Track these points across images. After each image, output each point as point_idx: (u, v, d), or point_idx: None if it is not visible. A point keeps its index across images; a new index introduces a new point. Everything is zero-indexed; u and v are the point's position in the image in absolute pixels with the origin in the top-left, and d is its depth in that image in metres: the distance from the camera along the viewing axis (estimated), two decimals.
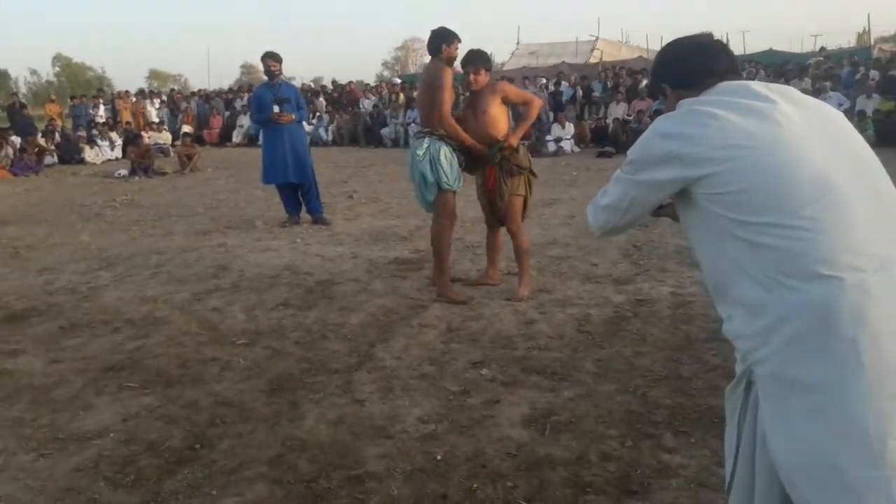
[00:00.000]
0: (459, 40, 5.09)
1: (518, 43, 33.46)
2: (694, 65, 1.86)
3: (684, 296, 5.03)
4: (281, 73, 8.46)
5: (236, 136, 21.19)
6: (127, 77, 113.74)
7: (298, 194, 8.37)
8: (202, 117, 22.64)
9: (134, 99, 22.98)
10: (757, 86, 1.76)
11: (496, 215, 5.23)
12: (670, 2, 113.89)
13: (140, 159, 14.64)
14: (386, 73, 58.07)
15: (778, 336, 1.59)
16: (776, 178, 1.61)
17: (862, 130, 2.00)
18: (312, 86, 27.75)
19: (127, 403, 3.61)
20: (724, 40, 2.10)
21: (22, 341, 4.54)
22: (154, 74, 67.36)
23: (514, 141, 5.02)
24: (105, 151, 18.11)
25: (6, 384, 3.89)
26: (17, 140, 16.75)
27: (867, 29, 31.55)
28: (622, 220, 1.94)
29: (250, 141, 19.54)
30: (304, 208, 8.42)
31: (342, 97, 22.64)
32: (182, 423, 3.37)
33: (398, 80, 23.69)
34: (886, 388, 1.53)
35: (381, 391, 3.66)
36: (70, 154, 17.55)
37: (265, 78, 8.53)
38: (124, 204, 10.61)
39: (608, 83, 19.70)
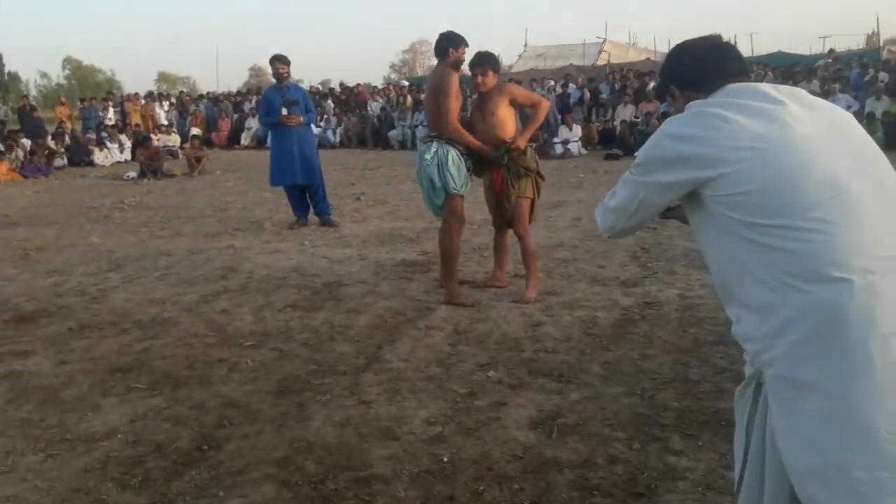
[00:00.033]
0: (467, 45, 5.10)
1: (525, 45, 33.50)
2: (703, 67, 1.86)
3: (692, 298, 5.01)
4: (289, 76, 8.49)
5: (245, 139, 21.26)
6: (136, 80, 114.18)
7: (306, 196, 8.39)
8: (211, 120, 22.74)
9: (143, 101, 23.12)
10: (766, 87, 1.76)
11: (504, 217, 5.22)
12: (678, 4, 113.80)
13: (149, 161, 14.71)
14: (394, 76, 58.23)
15: (787, 338, 1.58)
16: (785, 180, 1.60)
17: (871, 133, 1.98)
18: (320, 88, 27.84)
19: (134, 404, 3.62)
20: (733, 42, 2.10)
21: (31, 342, 4.56)
22: (163, 77, 67.63)
23: (522, 143, 5.02)
24: (114, 154, 18.21)
25: (15, 385, 3.90)
26: (27, 142, 16.84)
27: (876, 31, 31.47)
28: (630, 221, 1.94)
29: (259, 143, 19.62)
30: (311, 210, 8.44)
31: (350, 99, 22.72)
32: (189, 425, 3.38)
33: (406, 83, 23.76)
34: None
35: (388, 393, 3.66)
36: (79, 156, 17.65)
37: (274, 80, 8.57)
38: (133, 206, 10.65)
39: (616, 85, 19.69)
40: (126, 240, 7.91)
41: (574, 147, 15.96)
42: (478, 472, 2.89)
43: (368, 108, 21.18)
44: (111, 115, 21.67)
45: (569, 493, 2.73)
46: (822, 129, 1.68)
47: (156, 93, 26.40)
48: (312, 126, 9.25)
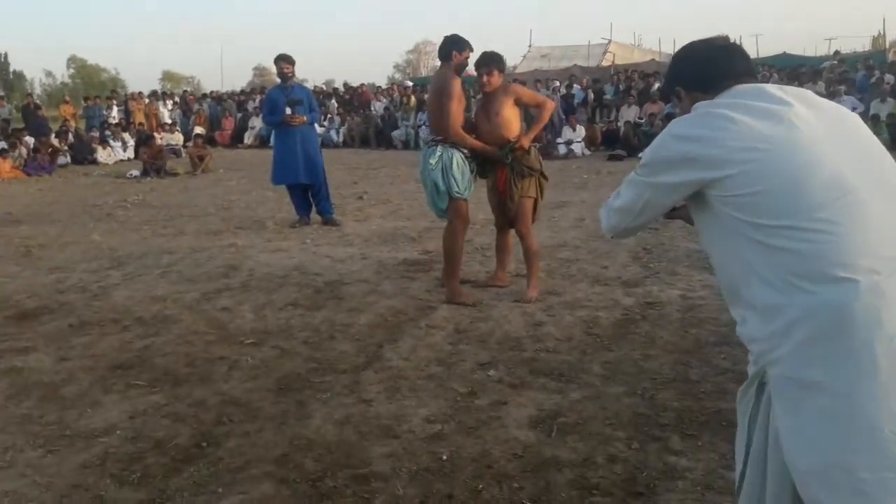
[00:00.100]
0: (471, 49, 5.09)
1: (530, 46, 33.49)
2: (709, 67, 1.86)
3: (694, 299, 5.00)
4: (293, 76, 8.49)
5: (248, 138, 21.27)
6: (140, 78, 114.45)
7: (309, 195, 8.39)
8: (214, 119, 22.75)
9: (147, 100, 23.11)
10: (772, 88, 1.75)
11: (506, 217, 5.22)
12: (683, 5, 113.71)
13: (152, 160, 14.72)
14: (397, 76, 58.25)
15: (792, 338, 1.58)
16: (792, 180, 1.60)
17: (876, 134, 1.97)
18: (324, 88, 27.88)
19: (134, 401, 3.62)
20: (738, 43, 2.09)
21: (32, 339, 4.57)
22: (167, 76, 67.75)
23: (526, 143, 5.02)
24: (117, 152, 18.22)
25: (16, 381, 3.91)
26: (30, 140, 16.89)
27: (882, 32, 31.42)
28: (635, 222, 1.94)
29: (262, 142, 19.62)
30: (314, 209, 8.44)
31: (354, 99, 22.71)
32: (189, 422, 3.38)
33: (410, 83, 23.76)
34: None
35: (389, 391, 3.65)
36: (83, 154, 17.67)
37: (278, 80, 8.58)
38: (136, 204, 10.66)
39: (620, 86, 19.68)
40: (128, 238, 7.92)
41: (577, 148, 15.94)
42: (477, 470, 2.88)
43: (372, 108, 21.18)
44: (115, 114, 21.69)
45: (568, 492, 2.73)
46: (829, 129, 1.68)
47: (160, 92, 26.37)
48: (316, 125, 9.26)
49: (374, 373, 3.89)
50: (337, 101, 22.43)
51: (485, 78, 4.99)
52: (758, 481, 1.78)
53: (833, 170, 1.61)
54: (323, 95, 22.71)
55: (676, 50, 2.05)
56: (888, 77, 16.10)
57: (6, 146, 15.82)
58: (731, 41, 1.96)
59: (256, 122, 20.65)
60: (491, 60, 5.01)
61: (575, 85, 19.69)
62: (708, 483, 2.75)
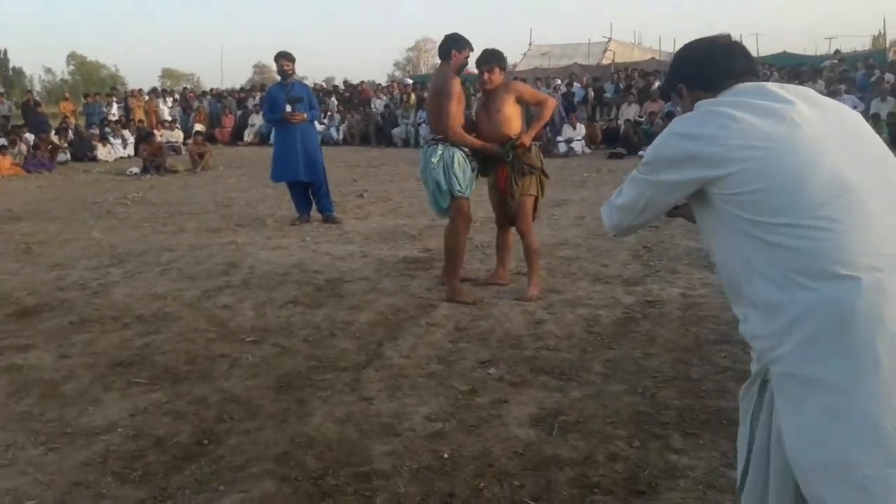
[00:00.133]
0: (471, 48, 5.08)
1: (530, 44, 33.44)
2: (711, 66, 1.86)
3: (694, 297, 5.00)
4: (294, 73, 8.49)
5: (248, 135, 21.26)
6: (140, 75, 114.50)
7: (309, 193, 8.39)
8: (214, 116, 22.75)
9: (147, 97, 23.10)
10: (774, 87, 1.76)
11: (507, 215, 5.22)
12: (683, 4, 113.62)
13: (152, 157, 14.72)
14: (397, 74, 58.19)
15: (794, 336, 1.59)
16: (793, 178, 1.61)
17: (877, 133, 1.99)
18: (324, 85, 27.86)
19: (135, 399, 3.62)
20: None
21: (32, 336, 4.57)
22: (167, 73, 67.69)
23: (527, 140, 5.01)
24: (117, 149, 18.20)
25: (16, 378, 3.91)
26: (30, 137, 16.87)
27: (882, 31, 31.41)
28: (637, 220, 1.95)
29: (262, 140, 19.61)
30: (314, 207, 8.44)
31: (354, 97, 22.71)
32: (190, 419, 3.38)
33: (410, 81, 23.73)
34: None
35: (389, 389, 3.65)
36: (83, 151, 17.66)
37: (278, 77, 8.57)
38: (136, 201, 10.66)
39: (620, 84, 19.67)
40: (128, 235, 7.91)
41: (577, 146, 15.93)
42: (478, 468, 2.88)
43: (372, 106, 21.18)
44: (115, 111, 21.68)
45: (569, 490, 2.72)
46: (830, 128, 1.68)
47: (160, 89, 26.38)
48: (316, 123, 9.25)
49: (374, 371, 3.89)
50: (337, 99, 22.43)
51: (486, 75, 4.99)
52: (760, 479, 1.78)
53: (834, 168, 1.61)
54: (323, 93, 22.71)
55: (678, 48, 2.05)
56: (888, 76, 16.09)
57: (6, 143, 15.82)
58: (734, 40, 1.97)
59: (256, 120, 20.65)
60: (492, 58, 5.00)
61: (575, 83, 19.67)
62: (709, 481, 2.75)
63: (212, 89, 27.19)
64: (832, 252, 1.55)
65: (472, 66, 5.22)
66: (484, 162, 5.12)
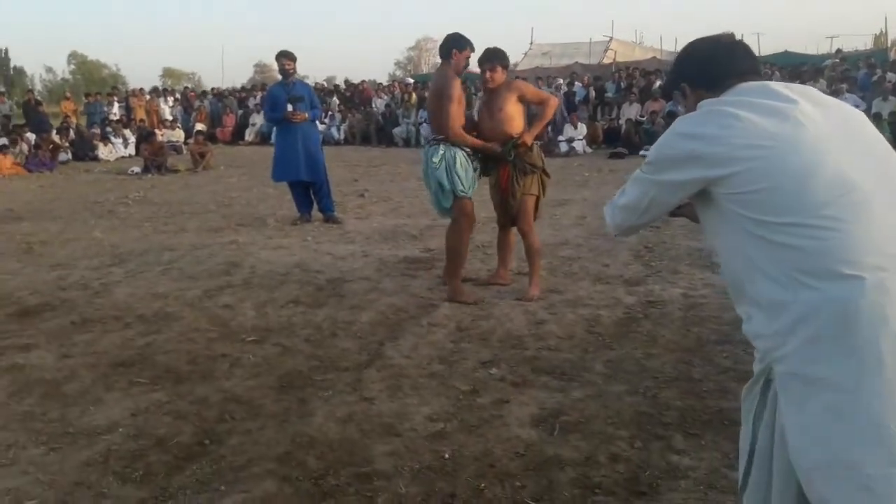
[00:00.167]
0: (472, 48, 5.08)
1: (531, 43, 33.40)
2: (715, 65, 1.86)
3: (696, 297, 5.00)
4: (295, 72, 8.49)
5: (249, 135, 21.27)
6: (141, 75, 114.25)
7: (310, 193, 8.39)
8: (215, 115, 22.75)
9: (148, 97, 23.10)
10: (777, 86, 1.76)
11: (508, 214, 5.21)
12: (684, 3, 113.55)
13: (153, 157, 14.72)
14: (398, 73, 58.16)
15: (797, 335, 1.59)
16: (797, 177, 1.60)
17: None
18: (325, 85, 27.80)
19: (136, 399, 3.62)
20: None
21: (34, 336, 4.57)
22: (168, 72, 67.68)
23: (529, 139, 5.01)
24: (118, 149, 18.21)
25: (17, 378, 3.91)
26: (31, 137, 16.87)
27: (884, 31, 31.36)
28: (640, 219, 1.95)
29: (263, 139, 19.61)
30: (315, 207, 8.44)
31: (355, 96, 22.71)
32: (191, 419, 3.38)
33: (411, 80, 23.70)
34: None
35: (390, 389, 3.65)
36: (84, 151, 17.66)
37: (279, 77, 8.56)
38: (137, 201, 10.66)
39: (621, 84, 19.66)
40: (129, 234, 7.92)
41: (579, 145, 15.94)
42: (479, 469, 2.88)
43: (373, 105, 21.17)
44: (116, 111, 21.66)
45: (571, 490, 2.72)
46: (834, 127, 1.68)
47: (161, 88, 26.38)
48: (317, 122, 9.25)
49: (375, 371, 3.89)
50: (338, 98, 22.42)
51: (488, 74, 4.98)
52: (763, 479, 1.78)
53: (838, 167, 1.61)
54: (324, 92, 22.68)
55: (679, 47, 2.05)
56: (890, 75, 16.08)
57: (7, 142, 15.82)
58: (737, 39, 1.97)
59: (257, 119, 20.66)
60: (494, 57, 5.00)
61: (576, 83, 19.66)
62: (711, 482, 2.75)
63: (213, 89, 27.19)
64: (836, 251, 1.55)
65: (473, 66, 5.22)
66: (485, 161, 5.11)
